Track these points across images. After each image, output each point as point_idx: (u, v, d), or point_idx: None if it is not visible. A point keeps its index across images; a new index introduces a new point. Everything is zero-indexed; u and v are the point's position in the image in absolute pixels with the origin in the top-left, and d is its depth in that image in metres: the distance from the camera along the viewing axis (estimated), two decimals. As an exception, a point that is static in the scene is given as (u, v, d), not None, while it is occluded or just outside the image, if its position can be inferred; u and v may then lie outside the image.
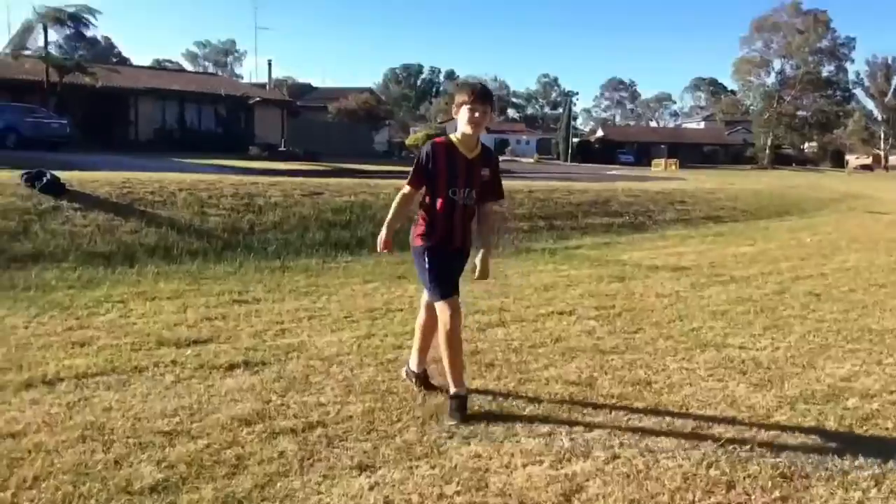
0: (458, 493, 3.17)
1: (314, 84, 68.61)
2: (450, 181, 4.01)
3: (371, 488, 3.19)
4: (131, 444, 3.54)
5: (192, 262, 8.27)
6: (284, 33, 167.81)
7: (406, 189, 4.14)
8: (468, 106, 3.94)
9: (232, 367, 4.75)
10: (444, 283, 4.03)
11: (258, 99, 40.66)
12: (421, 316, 4.41)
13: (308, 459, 3.44)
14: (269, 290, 7.18)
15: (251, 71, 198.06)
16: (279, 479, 3.25)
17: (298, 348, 5.22)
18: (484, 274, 4.19)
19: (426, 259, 4.08)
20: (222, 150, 31.09)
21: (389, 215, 4.20)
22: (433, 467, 3.39)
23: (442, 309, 4.01)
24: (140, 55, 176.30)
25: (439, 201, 4.04)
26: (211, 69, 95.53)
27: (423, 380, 4.42)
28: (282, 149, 34.73)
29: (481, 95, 3.97)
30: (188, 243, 8.89)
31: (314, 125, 46.71)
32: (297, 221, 10.31)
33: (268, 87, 49.67)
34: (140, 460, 3.37)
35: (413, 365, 4.45)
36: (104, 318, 5.88)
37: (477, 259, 4.19)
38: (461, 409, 3.96)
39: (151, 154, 25.60)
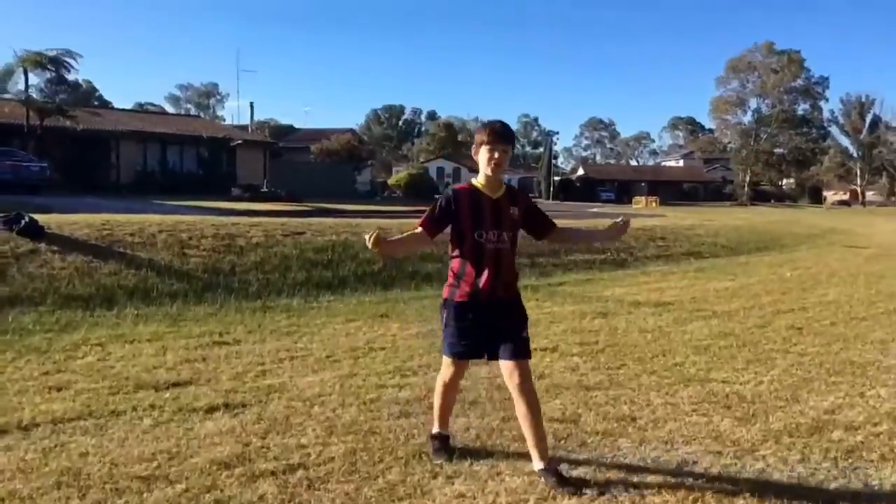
0: (442, 534, 3.11)
1: (296, 125, 68.93)
2: (475, 224, 3.70)
3: (353, 531, 3.12)
4: (108, 489, 3.46)
5: (172, 304, 8.19)
6: (267, 76, 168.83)
7: (417, 229, 3.80)
8: (487, 146, 3.71)
9: (211, 409, 4.68)
10: (458, 344, 3.76)
11: (240, 141, 40.83)
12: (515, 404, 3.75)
13: (289, 502, 3.37)
14: (249, 330, 7.12)
15: (233, 113, 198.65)
16: (259, 523, 3.18)
17: (279, 389, 5.16)
18: (610, 232, 4.19)
19: (445, 312, 3.81)
20: (204, 191, 31.11)
21: (398, 235, 4.02)
22: (416, 508, 3.34)
23: (447, 365, 3.87)
24: (122, 99, 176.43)
25: (465, 247, 3.73)
26: (193, 112, 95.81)
27: (556, 474, 3.64)
28: (264, 190, 34.78)
29: (502, 135, 3.74)
30: (168, 285, 8.82)
31: (296, 166, 46.88)
32: (278, 261, 10.27)
33: (249, 128, 49.91)
34: (116, 506, 3.29)
35: (535, 464, 3.72)
36: (82, 361, 5.79)
37: (609, 224, 4.19)
38: (446, 448, 3.94)
39: (133, 197, 25.54)
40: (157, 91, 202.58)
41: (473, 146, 3.85)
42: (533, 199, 4.15)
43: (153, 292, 8.51)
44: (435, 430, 4.02)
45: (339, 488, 3.53)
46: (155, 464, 3.78)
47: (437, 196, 3.89)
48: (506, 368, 3.68)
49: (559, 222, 4.13)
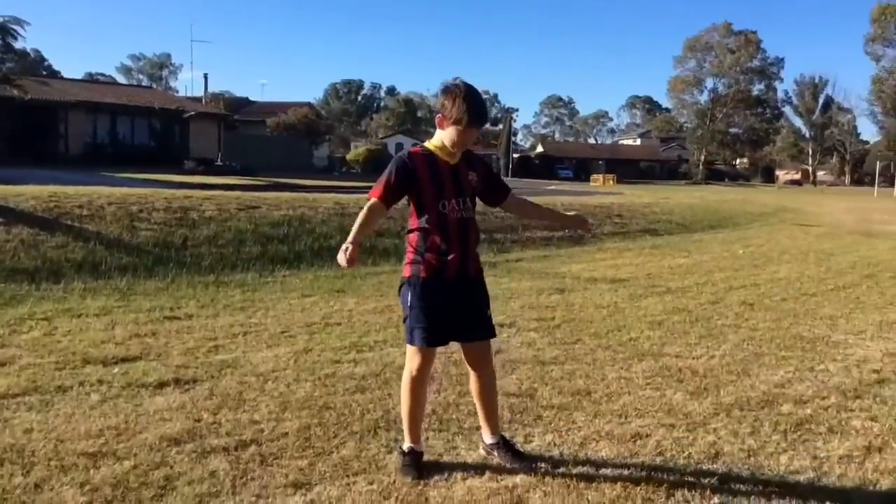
0: (396, 508, 3.09)
1: (252, 98, 67.71)
2: (437, 194, 3.33)
3: (306, 506, 3.08)
4: (53, 466, 3.36)
5: (122, 278, 7.99)
6: (222, 46, 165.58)
7: (371, 201, 3.36)
8: (460, 129, 3.29)
9: (162, 385, 4.58)
10: (427, 328, 3.35)
11: (193, 112, 39.95)
12: (471, 381, 3.63)
13: (241, 479, 3.31)
14: (202, 305, 6.99)
15: (187, 85, 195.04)
16: (210, 499, 3.11)
17: (232, 365, 5.07)
18: (577, 219, 3.97)
19: (410, 292, 3.39)
20: (156, 164, 30.48)
21: (354, 227, 3.31)
22: (371, 483, 3.30)
23: (412, 356, 3.42)
24: (71, 69, 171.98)
25: (427, 219, 3.35)
26: (145, 83, 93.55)
27: (508, 447, 3.61)
28: (218, 163, 34.24)
29: (481, 120, 3.34)
30: (117, 258, 8.60)
31: (252, 140, 46.17)
32: (232, 235, 10.09)
33: (204, 100, 48.86)
34: (62, 483, 3.20)
35: (486, 438, 3.66)
36: (27, 336, 5.62)
37: (568, 214, 4.05)
38: (417, 466, 3.42)
39: (82, 169, 24.91)
40: (109, 61, 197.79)
41: (441, 113, 3.35)
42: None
43: (102, 266, 8.30)
44: (406, 444, 3.53)
45: (292, 464, 3.48)
46: (102, 440, 3.68)
47: (391, 164, 3.43)
48: (470, 348, 3.52)
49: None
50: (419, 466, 3.42)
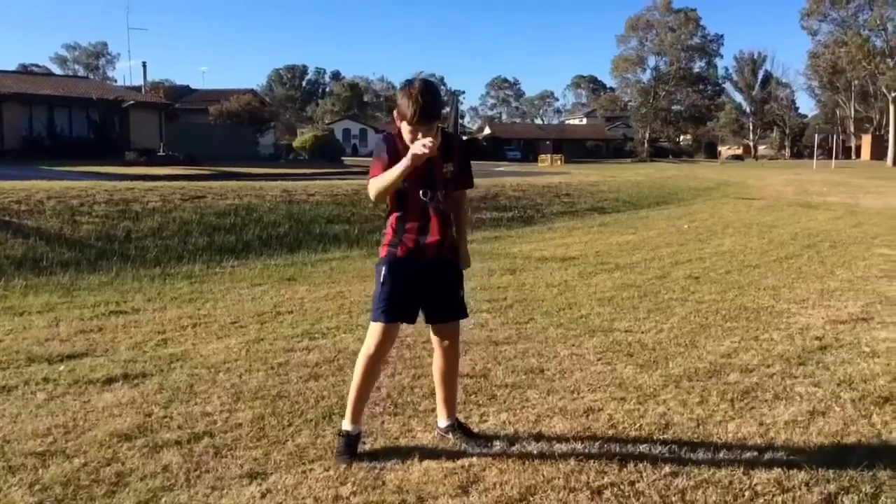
0: (354, 493, 3.08)
1: (193, 86, 66.21)
2: (417, 181, 3.33)
3: (263, 496, 3.06)
4: (0, 468, 3.27)
5: (64, 274, 7.79)
6: (159, 33, 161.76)
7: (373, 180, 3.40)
8: (410, 129, 3.26)
9: (110, 380, 4.49)
10: (393, 305, 3.39)
11: (132, 102, 38.88)
12: (435, 361, 3.67)
13: (195, 471, 3.27)
14: (149, 298, 6.86)
15: (125, 74, 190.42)
16: (164, 493, 3.07)
17: (182, 357, 4.99)
18: (465, 262, 3.73)
19: (383, 269, 3.43)
20: (96, 156, 29.67)
21: (394, 174, 3.24)
22: (327, 469, 3.30)
23: (373, 333, 3.42)
24: (3, 60, 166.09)
25: (407, 204, 3.40)
26: (82, 73, 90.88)
27: (462, 429, 3.67)
28: (161, 153, 33.44)
29: (429, 116, 3.24)
30: (59, 254, 8.38)
31: (195, 129, 45.15)
32: (177, 227, 9.91)
33: (143, 89, 47.66)
34: (10, 485, 3.12)
35: (442, 421, 3.71)
36: (-34, 336, 5.45)
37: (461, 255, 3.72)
38: (351, 450, 3.44)
39: (19, 163, 24.17)
40: (42, 51, 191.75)
41: (396, 112, 3.33)
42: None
43: (43, 262, 8.07)
44: (346, 425, 3.52)
45: (246, 454, 3.45)
46: (50, 439, 3.60)
47: (381, 144, 3.40)
48: (440, 328, 3.56)
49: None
50: (354, 451, 3.45)
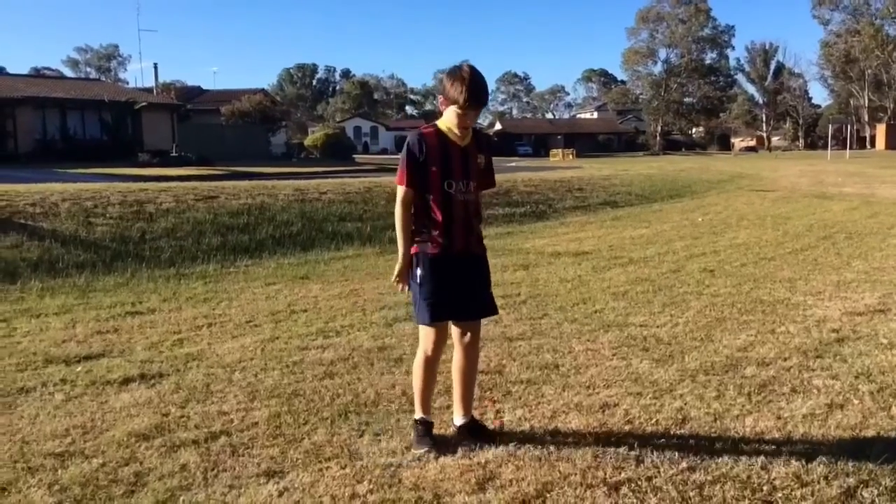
0: (370, 491, 3.08)
1: (204, 87, 66.45)
2: (444, 173, 3.37)
3: (280, 494, 3.07)
4: (19, 468, 3.30)
5: (80, 275, 7.84)
6: (170, 35, 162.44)
7: (402, 191, 3.43)
8: (461, 111, 3.33)
9: (127, 381, 4.52)
10: (438, 303, 3.38)
11: (144, 103, 39.09)
12: (455, 358, 3.63)
13: (212, 470, 3.28)
14: (164, 299, 6.89)
15: (136, 76, 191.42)
16: (182, 493, 3.09)
17: (198, 357, 5.02)
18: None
19: (419, 269, 3.42)
20: (110, 158, 29.87)
21: (400, 235, 3.46)
22: (344, 467, 3.30)
23: (426, 335, 3.44)
24: (16, 64, 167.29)
25: (432, 198, 3.39)
26: (94, 75, 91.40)
27: (478, 427, 3.65)
28: (173, 154, 33.63)
29: (479, 101, 3.35)
30: (74, 255, 8.44)
31: (206, 129, 45.32)
32: (191, 227, 9.96)
33: (155, 91, 47.93)
34: (30, 485, 3.14)
35: (458, 419, 3.69)
36: (-16, 339, 5.50)
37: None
38: (430, 434, 3.52)
39: (33, 166, 24.35)
40: (55, 55, 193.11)
41: (441, 97, 3.43)
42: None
43: (59, 264, 8.13)
44: (418, 415, 3.60)
45: (263, 453, 3.46)
46: (69, 439, 3.63)
47: (405, 147, 3.47)
48: (465, 324, 3.50)
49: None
50: (432, 436, 3.52)
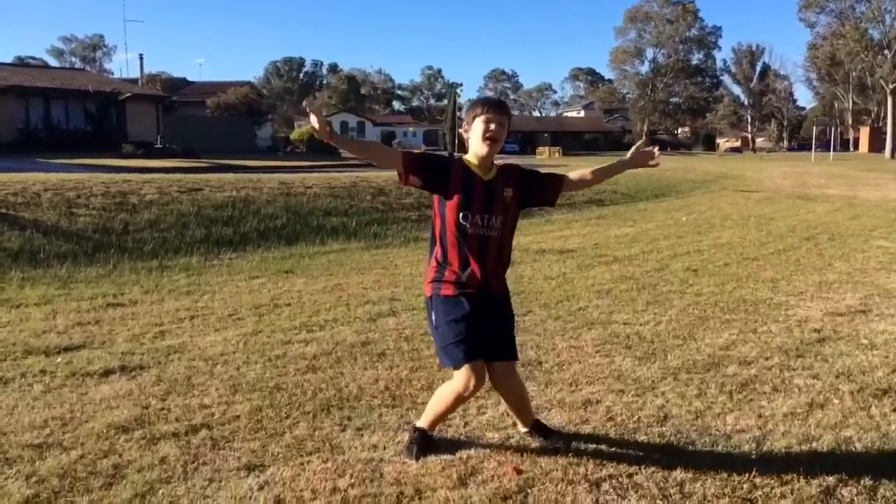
0: (352, 485, 3.08)
1: (189, 79, 65.89)
2: (461, 204, 3.17)
3: (260, 488, 3.05)
4: (-4, 460, 3.27)
5: (61, 266, 7.77)
6: (156, 25, 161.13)
7: (395, 149, 3.35)
8: (482, 118, 3.19)
9: (107, 372, 4.48)
10: (460, 342, 3.12)
11: (129, 94, 38.73)
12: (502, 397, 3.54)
13: (192, 463, 3.26)
14: (146, 291, 6.84)
15: (122, 66, 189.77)
16: (161, 486, 3.06)
17: (179, 350, 4.98)
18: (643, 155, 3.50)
19: (433, 312, 3.25)
20: (93, 149, 29.54)
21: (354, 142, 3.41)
22: (325, 461, 3.29)
23: (459, 376, 3.14)
24: (0, 53, 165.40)
25: (446, 230, 3.21)
26: (78, 65, 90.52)
27: (542, 429, 3.58)
28: (158, 146, 33.33)
29: (497, 106, 3.24)
30: (56, 246, 8.36)
31: (192, 121, 45.00)
32: (174, 219, 9.88)
33: (140, 81, 47.55)
34: (7, 476, 3.11)
35: (521, 427, 3.62)
36: (-38, 329, 5.43)
37: (627, 155, 3.52)
38: (423, 450, 3.38)
39: (15, 156, 24.07)
40: (39, 44, 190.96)
41: (464, 122, 3.32)
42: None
43: (40, 254, 8.05)
44: (422, 425, 3.47)
45: (244, 446, 3.44)
46: (47, 431, 3.59)
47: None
48: (492, 368, 3.23)
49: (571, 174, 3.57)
50: (425, 450, 3.37)
